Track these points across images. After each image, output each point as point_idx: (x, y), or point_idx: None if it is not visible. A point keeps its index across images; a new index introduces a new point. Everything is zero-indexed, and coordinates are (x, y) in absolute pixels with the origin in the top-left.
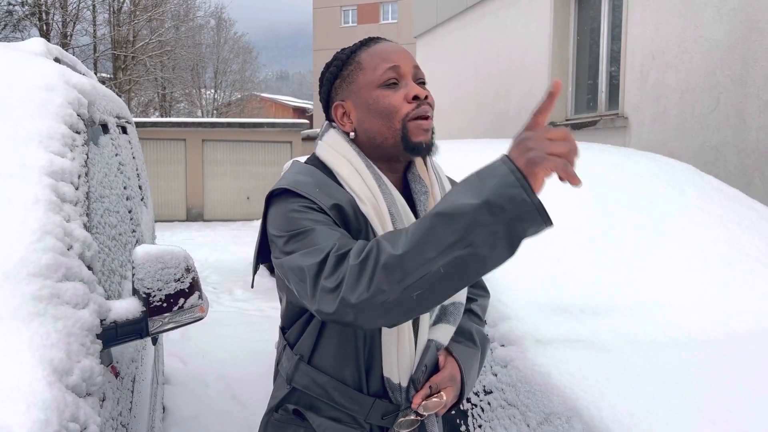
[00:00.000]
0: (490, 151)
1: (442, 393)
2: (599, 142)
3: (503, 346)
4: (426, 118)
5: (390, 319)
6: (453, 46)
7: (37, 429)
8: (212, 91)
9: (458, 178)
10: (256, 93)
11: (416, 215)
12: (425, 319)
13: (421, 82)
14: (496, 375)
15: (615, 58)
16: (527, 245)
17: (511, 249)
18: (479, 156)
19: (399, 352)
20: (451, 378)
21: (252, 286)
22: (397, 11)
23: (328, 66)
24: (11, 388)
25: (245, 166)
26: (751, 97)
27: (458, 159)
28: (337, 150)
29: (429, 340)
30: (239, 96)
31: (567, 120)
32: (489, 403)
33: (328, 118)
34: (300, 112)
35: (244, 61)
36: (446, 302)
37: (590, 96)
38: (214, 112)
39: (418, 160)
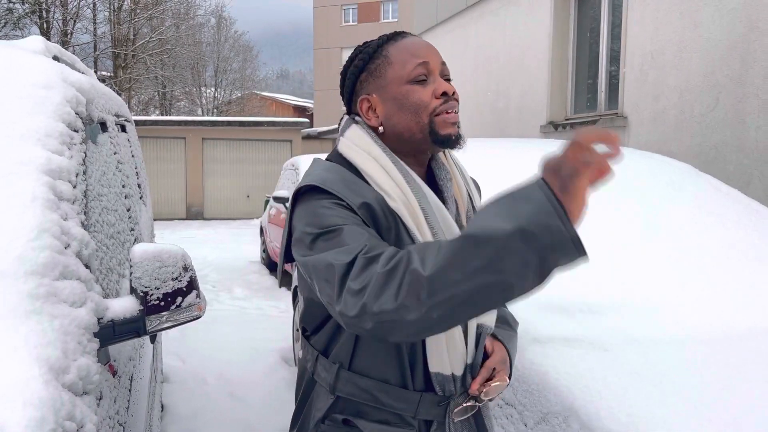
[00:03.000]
0: (489, 149)
1: (501, 375)
2: None
3: None
4: (453, 111)
5: (405, 335)
6: (453, 44)
7: (32, 427)
8: (212, 89)
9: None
10: (257, 91)
11: (444, 201)
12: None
13: (448, 79)
14: None
15: (614, 57)
16: None
17: (540, 279)
18: (479, 154)
19: (449, 344)
20: (503, 361)
21: (280, 286)
22: (397, 10)
23: (351, 59)
24: (7, 386)
25: (245, 164)
26: (750, 96)
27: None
28: (361, 147)
29: (479, 326)
30: (239, 94)
31: (566, 119)
32: None
33: (350, 111)
34: (300, 110)
35: (244, 59)
36: None
37: (590, 95)
38: (215, 110)
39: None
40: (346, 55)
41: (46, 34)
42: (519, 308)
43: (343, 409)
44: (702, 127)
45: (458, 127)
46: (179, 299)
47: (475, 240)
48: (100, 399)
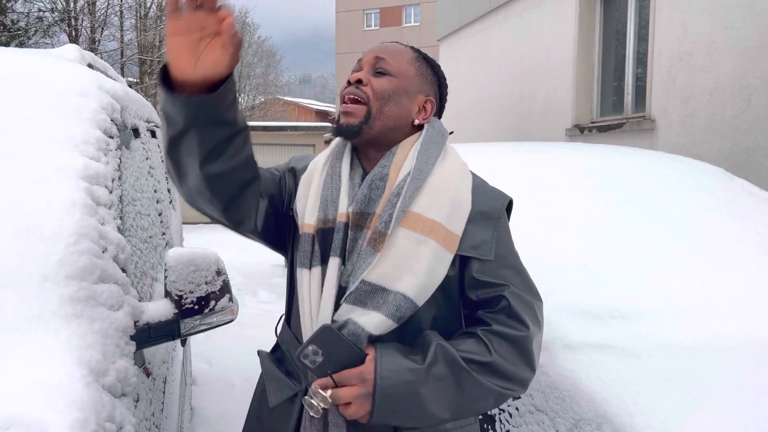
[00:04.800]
0: (512, 154)
1: (337, 390)
2: (625, 144)
3: None
4: (348, 101)
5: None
6: (476, 48)
7: (76, 429)
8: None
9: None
10: (279, 96)
11: (354, 193)
12: (330, 279)
13: (379, 72)
14: None
15: (641, 59)
16: (555, 249)
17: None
18: (500, 159)
19: (303, 312)
20: (359, 377)
21: None
22: (419, 14)
23: None
24: (51, 387)
25: None
26: None
27: (479, 162)
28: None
29: (345, 321)
30: (263, 99)
31: (592, 122)
32: (517, 408)
33: None
34: (322, 115)
35: (267, 64)
36: (386, 285)
37: (616, 98)
38: None
39: (406, 141)
40: None
41: (74, 41)
42: (550, 314)
43: (276, 353)
44: (733, 129)
45: (355, 117)
46: (212, 303)
47: None
48: (137, 401)
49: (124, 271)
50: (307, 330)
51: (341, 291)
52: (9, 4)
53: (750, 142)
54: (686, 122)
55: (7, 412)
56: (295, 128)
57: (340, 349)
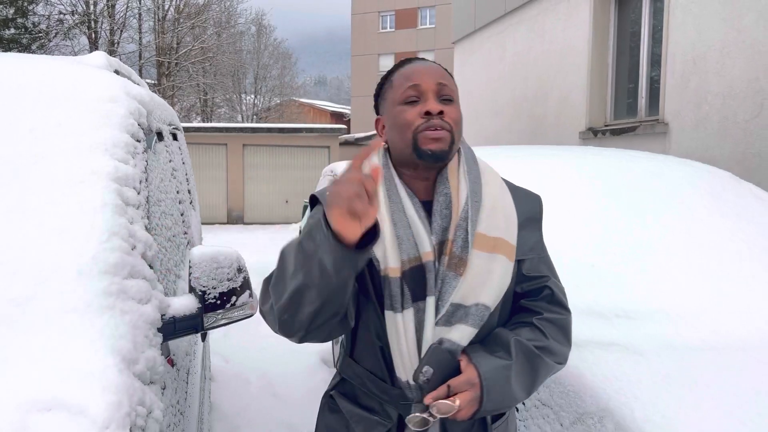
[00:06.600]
0: (523, 157)
1: (456, 397)
2: (639, 148)
3: None
4: (435, 129)
5: (285, 334)
6: (491, 51)
7: (111, 410)
8: (252, 96)
9: None
10: (295, 98)
11: (431, 216)
12: (429, 317)
13: (446, 99)
14: None
15: (655, 62)
16: (563, 250)
17: (321, 272)
18: (512, 162)
19: (400, 350)
20: (468, 383)
21: None
22: (434, 16)
23: (378, 85)
24: (87, 373)
25: (284, 170)
26: None
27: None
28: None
29: (439, 340)
30: (278, 101)
31: (606, 125)
32: (523, 403)
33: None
34: (337, 116)
35: (283, 66)
36: (464, 302)
37: (630, 101)
38: (254, 117)
39: (451, 165)
40: (384, 61)
41: (94, 44)
42: None
43: (344, 388)
44: (746, 134)
45: (445, 143)
46: (234, 298)
47: (281, 253)
48: (164, 389)
49: (151, 267)
50: (406, 365)
51: None
52: (30, 7)
53: (762, 146)
54: (699, 126)
55: (48, 396)
56: (311, 130)
57: (445, 363)
